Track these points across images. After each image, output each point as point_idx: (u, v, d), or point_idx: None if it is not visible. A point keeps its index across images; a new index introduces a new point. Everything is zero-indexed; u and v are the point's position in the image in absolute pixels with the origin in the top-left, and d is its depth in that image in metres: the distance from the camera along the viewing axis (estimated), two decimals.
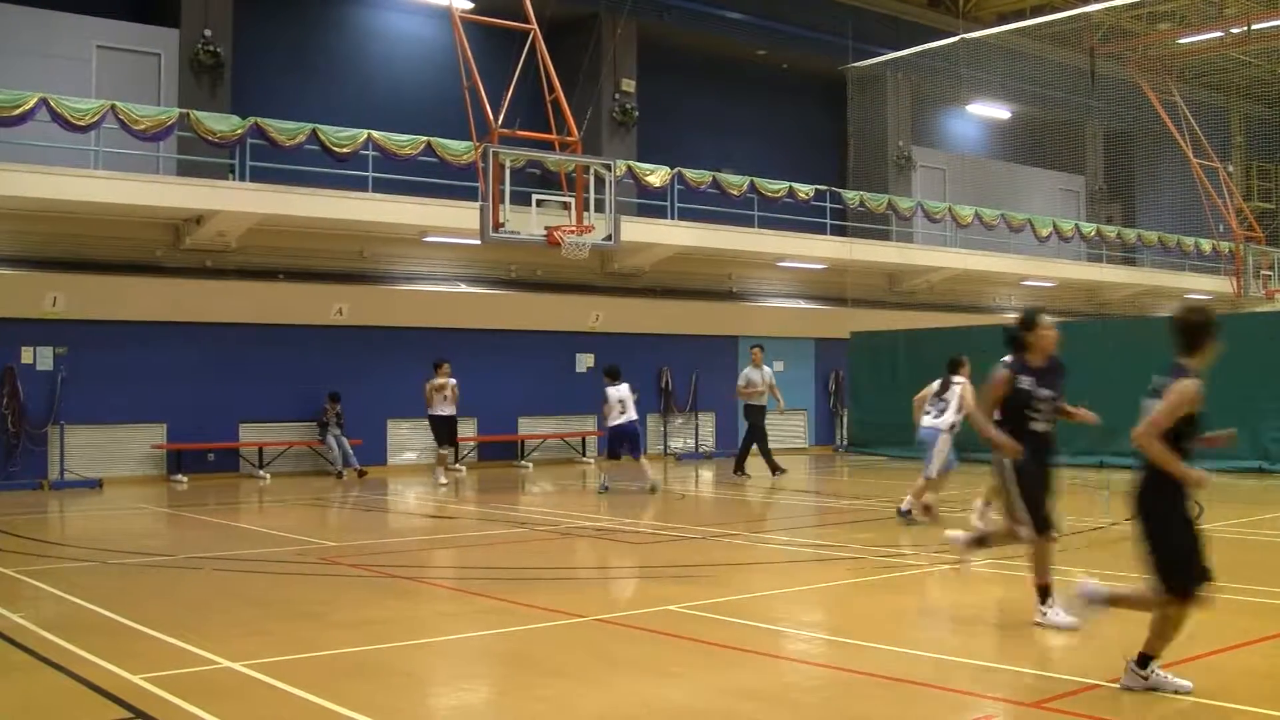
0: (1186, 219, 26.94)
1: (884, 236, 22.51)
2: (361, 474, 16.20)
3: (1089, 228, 25.44)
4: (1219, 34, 24.42)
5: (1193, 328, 4.68)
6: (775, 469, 15.28)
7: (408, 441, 17.38)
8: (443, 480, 14.58)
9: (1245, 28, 23.85)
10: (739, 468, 15.57)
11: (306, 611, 6.82)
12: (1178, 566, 4.51)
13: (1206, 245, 26.90)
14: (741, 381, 15.67)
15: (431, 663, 5.70)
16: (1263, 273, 27.54)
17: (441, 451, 14.92)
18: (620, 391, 13.28)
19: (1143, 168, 28.01)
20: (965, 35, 22.40)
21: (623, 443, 13.26)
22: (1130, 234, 26.23)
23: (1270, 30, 23.97)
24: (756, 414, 15.47)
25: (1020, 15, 23.73)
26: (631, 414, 13.35)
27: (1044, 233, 23.76)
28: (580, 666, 5.54)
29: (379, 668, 5.42)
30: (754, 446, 15.45)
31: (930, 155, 25.02)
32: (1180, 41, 25.06)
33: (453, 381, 14.72)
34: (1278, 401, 15.13)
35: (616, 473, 13.79)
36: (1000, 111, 25.82)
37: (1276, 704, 4.60)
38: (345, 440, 16.25)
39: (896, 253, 22.11)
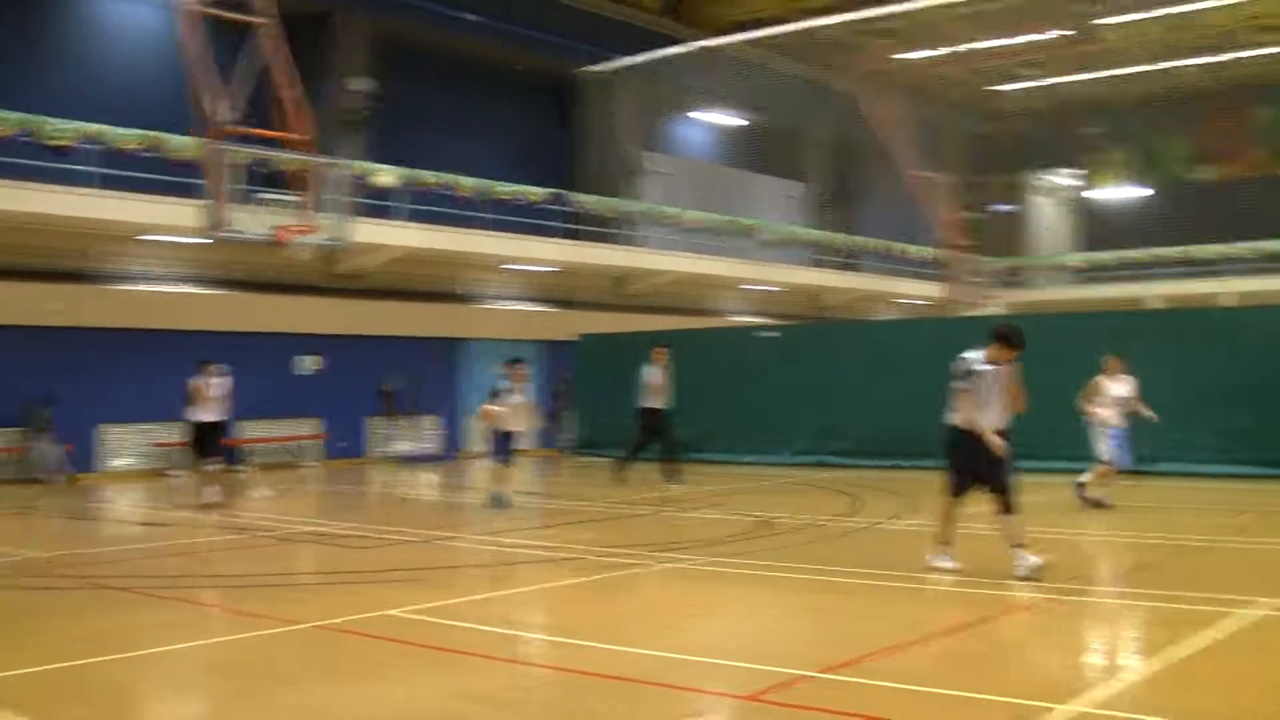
0: (903, 227, 32.55)
1: (613, 240, 27.84)
2: (73, 480, 18.14)
3: (811, 234, 30.34)
4: (936, 52, 29.70)
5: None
6: (666, 478, 16.69)
7: (121, 447, 19.66)
8: (212, 500, 14.46)
9: (961, 47, 29.14)
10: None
11: (14, 627, 7.49)
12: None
13: (921, 252, 32.59)
14: (649, 380, 16.74)
15: (149, 676, 6.29)
16: (972, 279, 33.63)
17: (207, 467, 14.83)
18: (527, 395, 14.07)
19: (863, 176, 33.58)
20: (696, 43, 26.54)
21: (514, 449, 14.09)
22: (850, 240, 31.41)
23: (984, 50, 29.46)
24: (657, 416, 16.62)
25: (750, 25, 28.48)
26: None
27: (768, 238, 28.39)
28: (301, 675, 6.25)
29: (94, 684, 5.97)
30: (642, 448, 16.92)
31: (660, 160, 29.82)
32: (900, 57, 30.30)
33: (216, 381, 14.81)
34: None
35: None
36: (729, 119, 30.69)
37: (965, 684, 5.77)
38: (55, 446, 18.15)
39: (625, 256, 26.79)
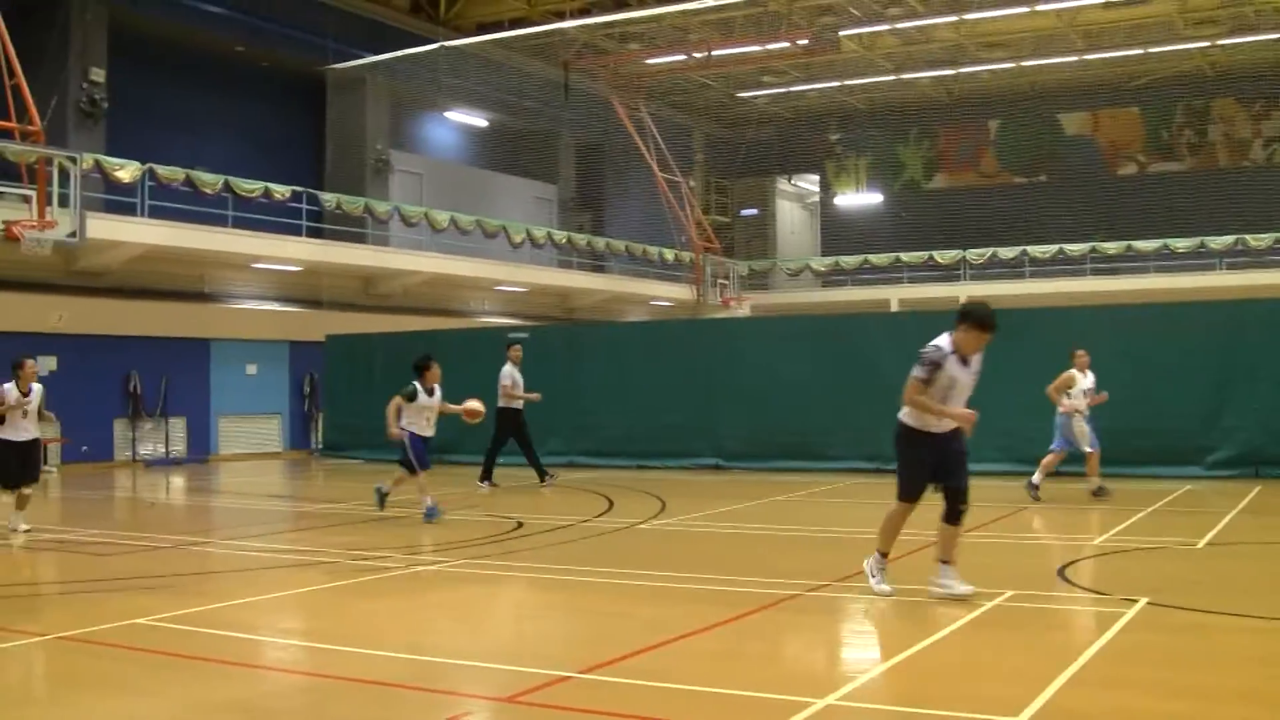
0: (651, 229, 37.78)
1: (360, 239, 31.54)
2: None
3: (560, 235, 35.22)
4: (684, 57, 34.82)
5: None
6: (544, 475, 18.53)
7: None
8: (22, 527, 13.39)
9: (707, 53, 34.27)
10: (486, 476, 18.21)
11: None
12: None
13: (669, 254, 37.96)
14: (508, 380, 18.25)
15: None
16: (720, 281, 39.19)
17: (24, 491, 13.57)
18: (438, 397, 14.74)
19: (612, 179, 38.79)
20: (445, 43, 30.64)
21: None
22: (600, 242, 36.71)
23: (730, 57, 34.79)
24: (515, 417, 18.24)
25: (500, 26, 32.37)
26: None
27: (518, 239, 33.04)
28: (42, 691, 6.57)
29: None
30: (498, 452, 18.44)
31: (409, 160, 34.40)
32: (649, 61, 35.42)
33: (37, 389, 13.53)
34: (734, 403, 21.21)
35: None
36: (478, 119, 35.03)
37: (720, 681, 6.45)
38: None
39: (372, 256, 30.98)
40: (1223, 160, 41.98)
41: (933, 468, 8.41)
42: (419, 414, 14.52)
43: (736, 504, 15.58)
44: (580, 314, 38.11)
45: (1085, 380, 15.02)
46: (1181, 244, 37.54)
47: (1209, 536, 11.70)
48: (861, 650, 7.85)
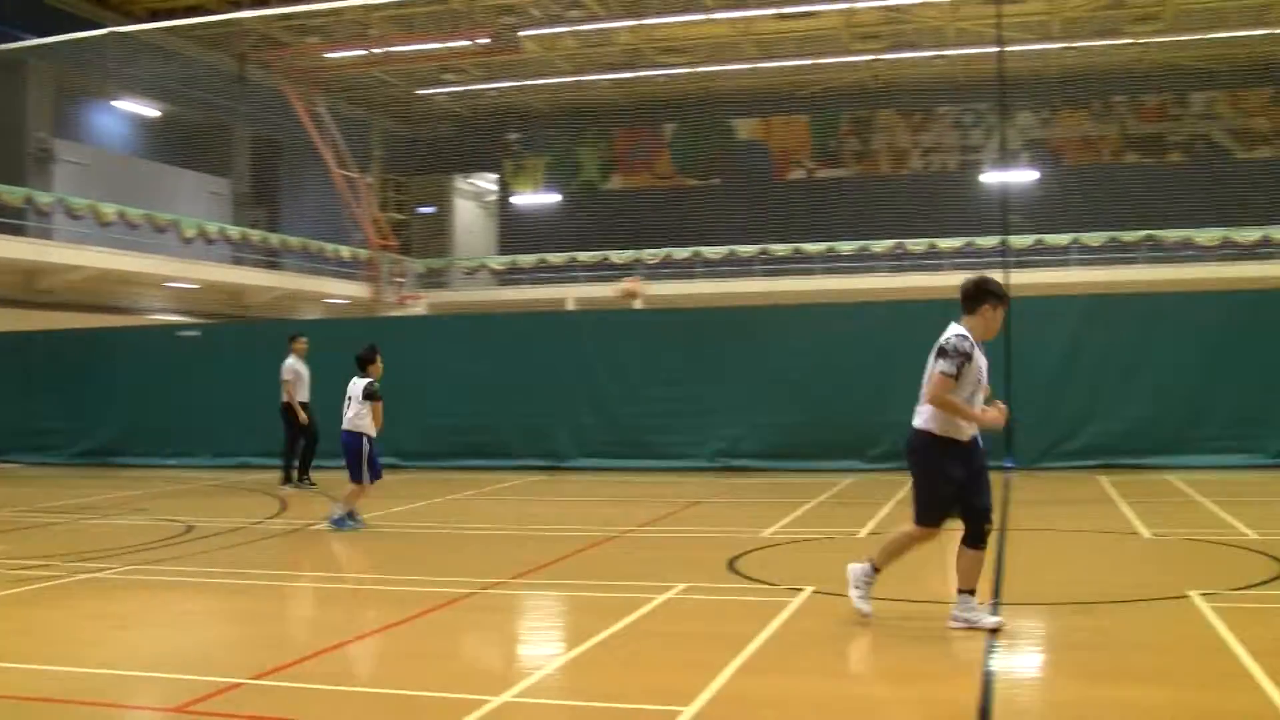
0: (328, 226, 42.05)
1: (20, 232, 33.78)
2: None
3: (234, 230, 38.88)
4: (364, 52, 38.90)
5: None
6: (299, 477, 19.44)
7: None
8: None
9: (387, 49, 38.50)
10: (304, 475, 19.34)
11: None
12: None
13: (346, 252, 42.26)
14: (289, 375, 19.16)
15: None
16: (396, 280, 43.79)
17: None
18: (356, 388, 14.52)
19: (288, 174, 42.90)
20: (115, 28, 33.72)
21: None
22: (274, 238, 40.54)
23: (410, 53, 39.09)
24: (304, 411, 19.24)
25: (173, 14, 36.79)
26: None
27: (189, 234, 36.49)
28: None
29: None
30: (295, 447, 19.45)
31: (74, 149, 37.95)
32: (327, 56, 39.47)
33: None
34: (408, 402, 20.64)
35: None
36: (150, 110, 38.46)
37: (397, 682, 7.25)
38: None
39: (34, 249, 33.68)
40: (884, 168, 50.12)
41: (960, 484, 8.16)
42: (375, 415, 14.26)
43: (411, 503, 16.71)
44: (254, 311, 41.77)
45: None
46: (846, 247, 45.05)
47: (870, 526, 13.55)
48: (538, 646, 8.72)
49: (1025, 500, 16.18)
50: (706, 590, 9.92)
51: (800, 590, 9.61)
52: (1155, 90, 47.70)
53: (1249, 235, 42.66)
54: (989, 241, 38.49)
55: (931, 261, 44.24)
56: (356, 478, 14.13)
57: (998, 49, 23.51)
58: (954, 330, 8.29)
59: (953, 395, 8.09)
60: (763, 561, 11.34)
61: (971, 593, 8.26)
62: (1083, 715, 6.52)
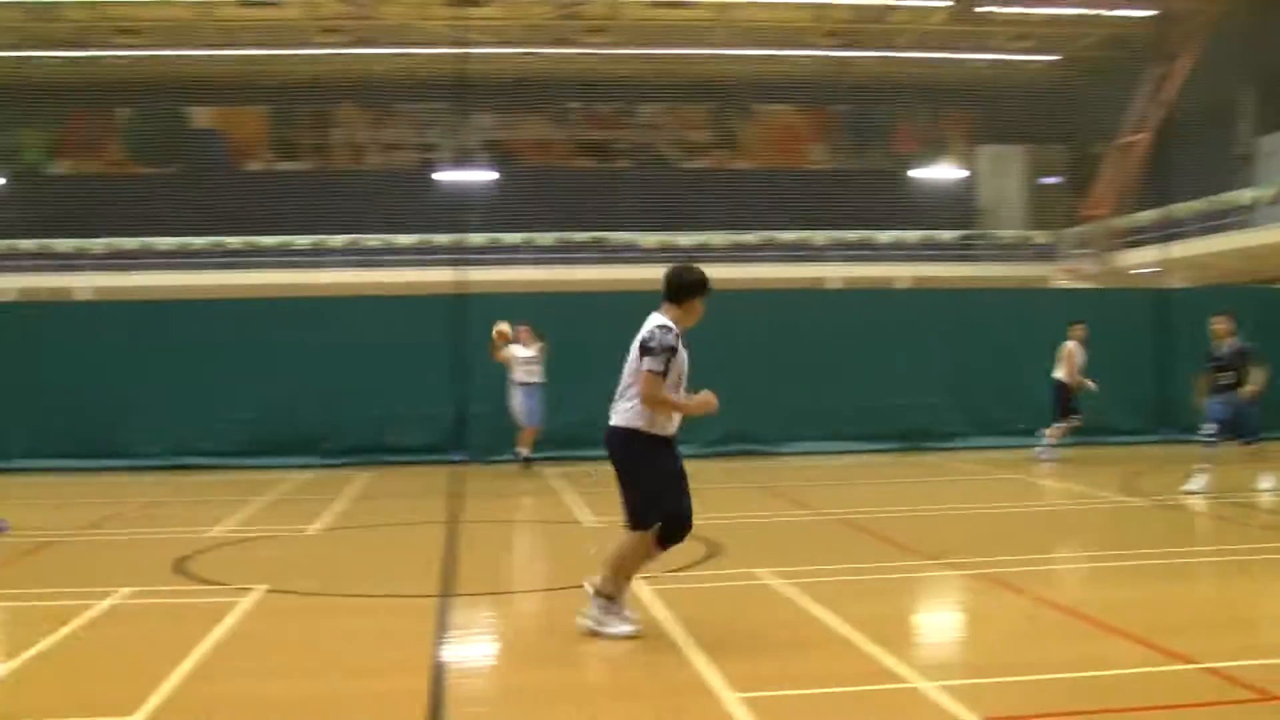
0: None
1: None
2: None
3: None
4: None
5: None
6: None
7: None
8: None
9: None
10: None
11: None
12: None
13: None
14: None
15: None
16: None
17: None
18: None
19: None
20: None
21: None
22: None
23: None
24: None
25: None
26: None
27: None
28: None
29: None
30: None
31: None
32: None
33: None
34: None
35: None
36: None
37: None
38: None
39: None
40: (344, 163, 49.81)
41: (672, 477, 7.93)
42: None
43: None
44: None
45: (526, 351, 18.70)
46: (302, 241, 44.44)
47: (322, 522, 13.54)
48: None
49: (476, 492, 16.49)
50: (152, 594, 9.48)
51: (251, 589, 9.34)
52: (606, 99, 49.97)
53: (688, 240, 45.45)
54: (445, 239, 39.03)
55: (389, 257, 44.38)
56: None
57: (459, 50, 23.89)
58: (656, 321, 7.92)
59: (662, 390, 7.75)
60: (212, 562, 11.03)
61: (611, 599, 7.81)
62: (532, 698, 6.71)
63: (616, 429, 7.88)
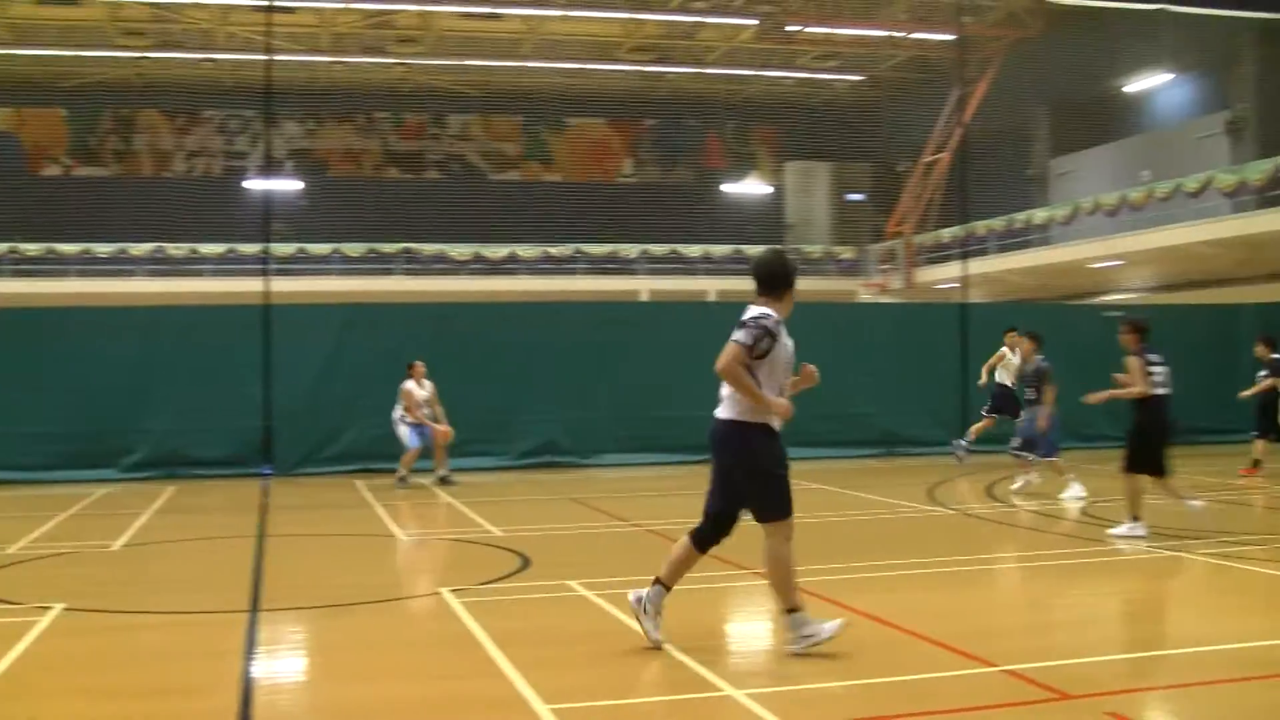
0: None
1: None
2: None
3: None
4: None
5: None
6: None
7: None
8: None
9: None
10: None
11: None
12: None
13: None
14: None
15: None
16: None
17: None
18: None
19: None
20: None
21: None
22: None
23: None
24: None
25: None
26: None
27: None
28: None
29: None
30: None
31: None
32: None
33: None
34: None
35: None
36: None
37: None
38: None
39: None
40: (147, 169, 48.46)
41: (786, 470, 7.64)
42: None
43: None
44: None
45: (423, 391, 18.27)
46: (104, 249, 43.12)
47: (125, 538, 13.22)
48: None
49: (284, 506, 16.29)
50: None
51: (51, 608, 9.05)
52: (416, 109, 49.68)
53: (498, 251, 45.43)
54: (252, 248, 38.28)
55: (193, 266, 43.43)
56: None
57: (266, 57, 23.50)
58: (753, 311, 7.61)
59: (755, 382, 7.38)
60: (10, 580, 10.61)
61: (797, 609, 7.49)
62: (344, 715, 6.64)
63: (722, 422, 7.60)
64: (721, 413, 7.60)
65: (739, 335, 7.39)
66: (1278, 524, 13.28)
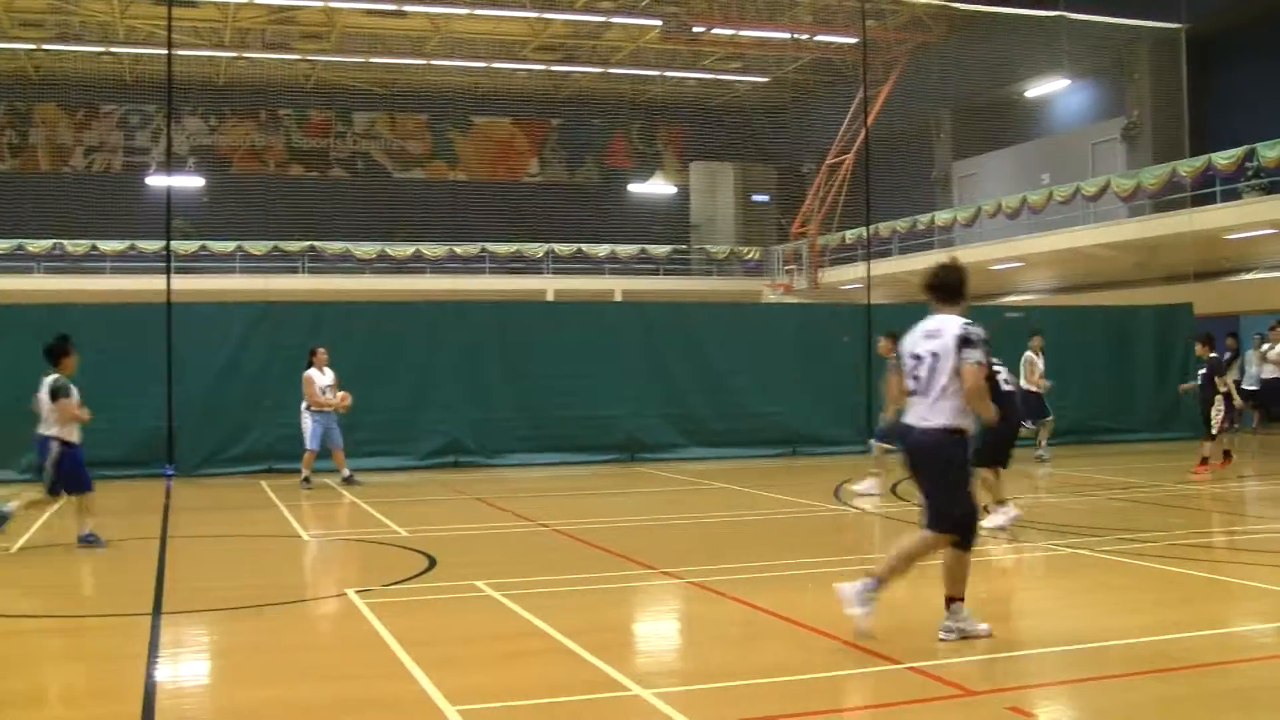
0: None
1: None
2: None
3: None
4: None
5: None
6: None
7: None
8: None
9: None
10: None
11: None
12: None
13: None
14: None
15: None
16: None
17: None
18: None
19: None
20: None
21: None
22: None
23: None
24: None
25: None
26: None
27: None
28: None
29: None
30: None
31: None
32: None
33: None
34: None
35: None
36: None
37: None
38: None
39: None
40: (45, 164, 47.50)
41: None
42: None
43: None
44: None
45: (324, 378, 18.17)
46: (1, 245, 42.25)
47: (23, 540, 12.89)
48: None
49: (187, 507, 16.11)
50: None
51: None
52: (321, 106, 49.23)
53: (403, 250, 45.13)
54: (153, 245, 37.84)
55: (93, 264, 42.65)
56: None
57: (167, 51, 23.19)
58: (956, 321, 7.68)
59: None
60: None
61: (962, 600, 7.73)
62: (249, 718, 6.59)
63: (937, 430, 7.65)
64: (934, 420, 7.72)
65: (978, 355, 7.57)
66: (1174, 521, 13.58)
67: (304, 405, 18.27)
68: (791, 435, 22.46)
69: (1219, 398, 17.74)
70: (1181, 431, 25.26)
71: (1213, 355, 18.36)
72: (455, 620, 8.85)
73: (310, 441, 18.05)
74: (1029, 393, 19.67)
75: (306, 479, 18.02)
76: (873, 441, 16.88)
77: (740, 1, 40.09)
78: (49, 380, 13.14)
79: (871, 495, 15.56)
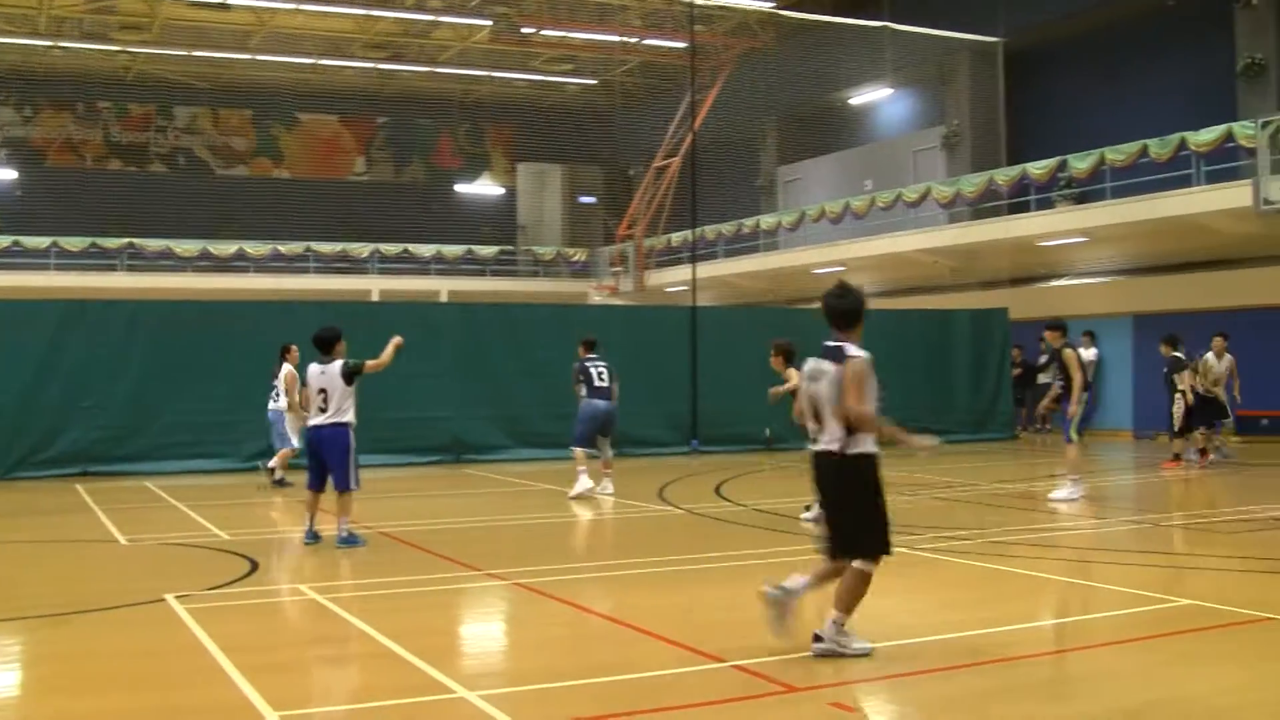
0: None
1: None
2: None
3: None
4: None
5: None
6: None
7: None
8: None
9: None
10: None
11: None
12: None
13: None
14: None
15: None
16: None
17: None
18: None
19: None
20: None
21: None
22: None
23: None
24: None
25: None
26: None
27: None
28: None
29: None
30: None
31: None
32: None
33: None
34: None
35: None
36: None
37: None
38: None
39: None
40: None
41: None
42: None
43: None
44: None
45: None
46: None
47: None
48: None
49: (4, 511, 15.61)
50: None
51: None
52: (142, 100, 47.95)
53: (226, 248, 44.18)
54: None
55: None
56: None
57: None
58: (847, 346, 7.70)
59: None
60: None
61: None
62: None
63: (845, 456, 7.77)
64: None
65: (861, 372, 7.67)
66: (990, 519, 14.00)
67: (275, 403, 18.06)
68: (619, 436, 22.58)
69: (1177, 396, 18.53)
70: (997, 433, 26.12)
71: (1174, 354, 18.98)
72: (278, 625, 8.75)
73: (296, 439, 17.66)
74: (1204, 397, 19.50)
75: (281, 479, 17.85)
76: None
77: (570, 4, 40.17)
78: (338, 365, 13.67)
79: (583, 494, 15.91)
